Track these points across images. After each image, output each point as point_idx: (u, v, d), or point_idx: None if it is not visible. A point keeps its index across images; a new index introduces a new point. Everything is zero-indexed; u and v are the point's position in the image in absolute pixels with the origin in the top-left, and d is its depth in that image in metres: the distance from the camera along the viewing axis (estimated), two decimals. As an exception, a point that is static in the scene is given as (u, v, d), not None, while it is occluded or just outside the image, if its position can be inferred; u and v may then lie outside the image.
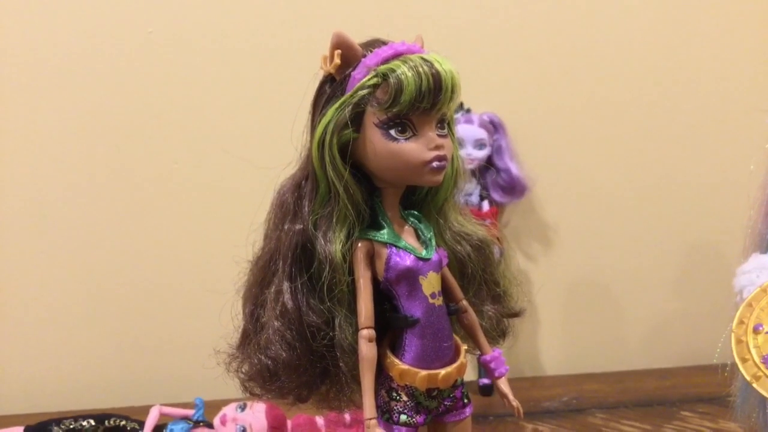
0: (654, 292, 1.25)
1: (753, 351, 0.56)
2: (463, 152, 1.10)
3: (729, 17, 1.18)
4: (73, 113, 1.14)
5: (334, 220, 0.54)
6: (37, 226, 1.16)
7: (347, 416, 0.94)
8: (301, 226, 0.55)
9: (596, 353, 1.25)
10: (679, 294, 1.22)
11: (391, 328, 0.57)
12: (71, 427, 0.94)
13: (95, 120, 1.14)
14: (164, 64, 1.14)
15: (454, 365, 0.57)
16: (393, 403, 0.56)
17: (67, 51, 1.12)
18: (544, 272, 1.24)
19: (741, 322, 0.58)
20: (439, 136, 0.53)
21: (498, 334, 0.65)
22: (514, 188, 1.15)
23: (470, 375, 1.12)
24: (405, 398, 0.56)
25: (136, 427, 0.94)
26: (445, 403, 0.58)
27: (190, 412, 0.96)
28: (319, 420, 0.95)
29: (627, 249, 1.24)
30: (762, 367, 0.55)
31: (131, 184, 1.16)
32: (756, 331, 0.57)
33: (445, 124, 0.55)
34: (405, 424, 0.56)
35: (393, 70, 0.51)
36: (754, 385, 0.55)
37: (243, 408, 0.91)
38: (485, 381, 1.12)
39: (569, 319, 1.26)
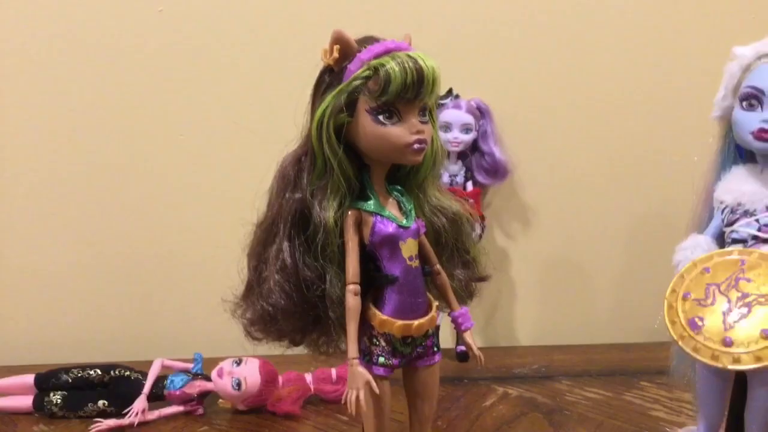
0: (622, 272, 1.31)
1: (681, 315, 0.64)
2: (450, 135, 1.15)
3: (684, 29, 1.23)
4: (88, 87, 1.18)
5: (328, 191, 0.61)
6: (50, 188, 1.21)
7: (333, 373, 1.02)
8: (300, 195, 0.62)
9: (567, 327, 1.32)
10: (646, 274, 1.22)
11: (374, 285, 0.64)
12: (79, 375, 1.00)
13: (109, 93, 1.19)
14: (176, 47, 1.18)
15: (426, 317, 0.65)
16: (373, 348, 0.64)
17: (79, 27, 1.17)
18: (522, 250, 1.30)
19: (673, 291, 0.66)
20: (421, 122, 0.60)
21: (466, 295, 0.71)
22: (497, 171, 1.20)
23: (448, 343, 1.19)
24: (383, 344, 0.64)
25: (140, 377, 1.00)
26: (418, 350, 0.66)
27: (189, 365, 1.03)
28: (308, 376, 1.02)
29: (598, 231, 1.29)
30: (687, 328, 0.63)
31: (149, 151, 1.21)
32: (685, 298, 0.65)
33: (426, 112, 0.61)
34: (383, 365, 0.64)
35: (383, 65, 0.58)
36: (680, 343, 0.63)
37: (238, 363, 0.97)
38: (462, 348, 1.19)
39: (543, 294, 1.33)
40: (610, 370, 1.13)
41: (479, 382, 1.09)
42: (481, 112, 1.19)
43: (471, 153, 1.21)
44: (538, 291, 1.33)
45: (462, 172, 1.20)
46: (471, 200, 1.15)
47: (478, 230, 1.17)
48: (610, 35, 1.24)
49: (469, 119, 1.17)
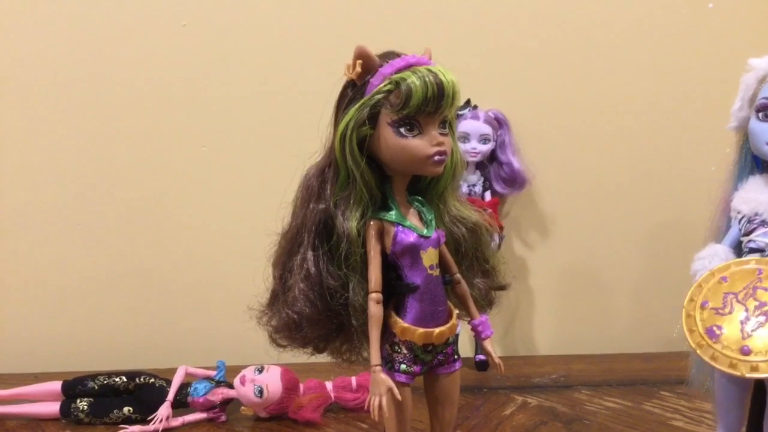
0: (641, 281, 1.31)
1: (699, 324, 0.64)
2: (468, 146, 1.17)
3: (702, 41, 1.24)
4: (110, 97, 1.21)
5: (351, 201, 0.63)
6: (76, 200, 1.24)
7: (353, 381, 1.04)
8: (324, 206, 0.63)
9: (586, 336, 1.32)
10: (665, 284, 1.21)
11: (395, 293, 0.66)
12: (105, 382, 1.02)
13: (133, 105, 1.21)
14: (199, 60, 1.21)
15: (447, 325, 0.66)
16: (395, 355, 0.65)
17: (105, 41, 1.19)
18: (541, 260, 1.31)
19: (691, 300, 0.67)
20: (441, 134, 0.62)
21: (486, 303, 0.72)
22: (515, 181, 1.21)
23: (467, 352, 1.20)
24: (405, 351, 0.65)
25: (164, 384, 1.02)
26: (439, 357, 0.67)
27: (212, 373, 1.05)
28: (328, 384, 1.03)
29: (618, 240, 1.30)
30: (705, 336, 0.64)
31: (174, 162, 1.23)
32: (703, 307, 0.65)
33: (446, 124, 0.62)
34: (404, 372, 0.65)
35: (404, 79, 0.59)
36: (698, 351, 0.64)
37: (260, 371, 0.99)
38: (481, 357, 1.20)
39: (562, 303, 1.33)
40: (630, 380, 1.13)
41: (498, 392, 1.09)
42: (499, 123, 1.20)
43: (489, 163, 1.22)
44: (557, 300, 1.33)
45: (480, 182, 1.21)
46: (489, 210, 1.16)
47: (496, 240, 1.18)
48: (627, 46, 1.24)
49: (488, 130, 1.18)
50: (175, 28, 1.20)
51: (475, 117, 1.18)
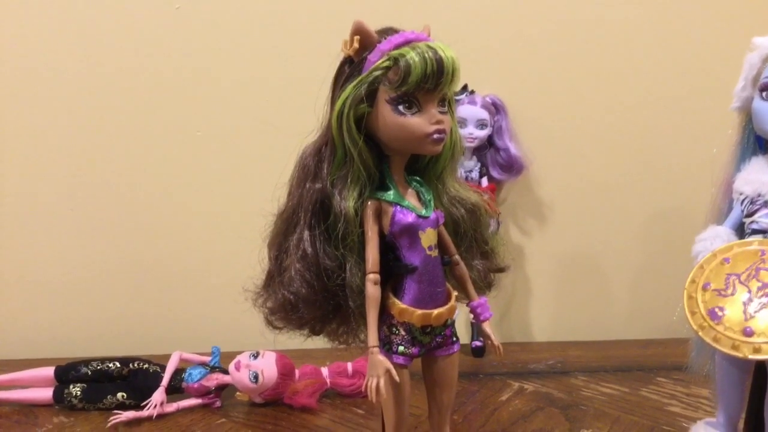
0: (638, 267, 1.30)
1: (701, 305, 0.64)
2: (465, 131, 1.16)
3: (701, 22, 1.23)
4: (103, 84, 1.20)
5: (348, 180, 0.62)
6: (70, 185, 1.23)
7: (349, 367, 1.03)
8: (321, 185, 0.62)
9: (582, 323, 1.32)
10: (663, 270, 1.25)
11: (393, 274, 0.65)
12: (98, 368, 1.02)
13: (125, 90, 1.20)
14: (192, 42, 1.19)
15: (446, 307, 0.65)
16: (393, 337, 0.64)
17: (96, 24, 1.18)
18: (537, 246, 1.30)
19: (693, 281, 0.66)
20: (440, 112, 0.61)
21: (485, 285, 0.72)
22: (512, 167, 1.20)
23: (463, 338, 1.19)
24: (403, 333, 0.64)
25: (158, 370, 1.01)
26: (437, 339, 0.66)
27: (207, 358, 1.04)
28: (324, 370, 1.03)
29: (615, 227, 1.29)
30: (707, 318, 0.63)
31: (168, 147, 1.22)
32: (704, 288, 0.65)
33: (445, 103, 0.62)
34: (402, 354, 0.64)
35: (403, 55, 0.58)
36: (700, 333, 0.63)
37: (255, 356, 0.98)
38: (477, 343, 1.20)
39: (559, 290, 1.32)
40: (626, 366, 1.14)
41: (495, 377, 1.09)
42: (496, 108, 1.19)
43: (486, 149, 1.21)
44: (554, 287, 1.33)
45: (477, 168, 1.20)
46: (486, 195, 1.15)
47: (493, 226, 1.17)
48: (626, 29, 1.23)
49: (484, 115, 1.17)
50: (168, 11, 1.18)
51: (473, 102, 1.17)
